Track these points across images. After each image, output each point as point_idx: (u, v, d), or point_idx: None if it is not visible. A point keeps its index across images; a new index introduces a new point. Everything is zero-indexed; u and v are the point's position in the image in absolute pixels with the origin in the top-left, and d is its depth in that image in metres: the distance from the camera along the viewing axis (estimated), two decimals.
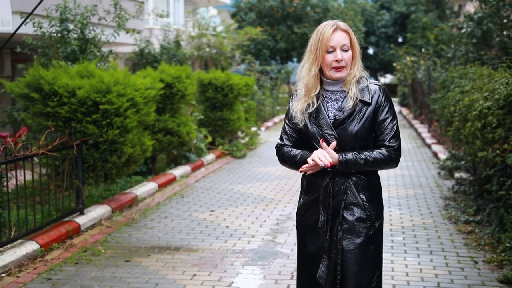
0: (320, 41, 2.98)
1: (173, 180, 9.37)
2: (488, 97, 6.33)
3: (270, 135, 16.33)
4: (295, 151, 3.12)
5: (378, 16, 37.53)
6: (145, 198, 8.14)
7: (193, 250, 5.89)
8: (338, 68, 2.99)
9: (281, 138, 3.22)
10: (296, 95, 3.13)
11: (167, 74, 9.45)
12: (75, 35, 8.91)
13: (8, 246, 5.51)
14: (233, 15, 29.40)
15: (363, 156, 2.97)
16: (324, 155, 2.94)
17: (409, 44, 27.11)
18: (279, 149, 3.22)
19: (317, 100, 3.05)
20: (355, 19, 29.69)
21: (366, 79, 3.07)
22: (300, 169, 3.06)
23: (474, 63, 10.34)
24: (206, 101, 12.34)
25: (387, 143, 3.01)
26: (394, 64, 25.46)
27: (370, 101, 3.00)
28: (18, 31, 7.33)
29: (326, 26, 2.99)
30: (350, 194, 3.02)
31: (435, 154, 12.09)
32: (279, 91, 22.99)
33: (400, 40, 37.85)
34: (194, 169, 10.36)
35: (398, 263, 5.47)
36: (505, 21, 13.04)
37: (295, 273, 5.16)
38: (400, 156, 3.06)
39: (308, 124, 3.05)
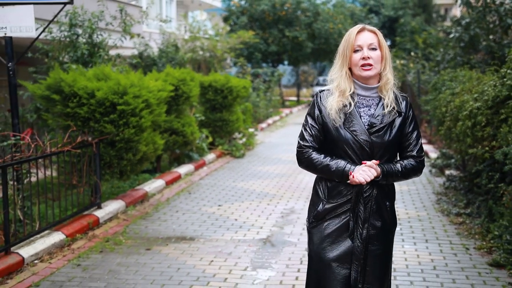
0: (347, 41, 3.03)
1: (179, 178, 9.83)
2: (477, 98, 6.88)
3: (265, 136, 16.81)
4: (325, 158, 3.08)
5: (367, 19, 38.17)
6: (155, 194, 8.60)
7: (207, 240, 6.37)
8: (366, 66, 3.00)
9: (303, 138, 3.14)
10: (328, 94, 3.11)
11: (172, 77, 9.90)
12: (84, 40, 9.35)
13: (38, 236, 5.96)
14: (225, 19, 29.87)
15: (399, 168, 3.06)
16: (367, 174, 2.97)
17: (398, 47, 27.75)
18: (304, 152, 3.14)
19: (353, 101, 3.06)
20: (345, 22, 30.27)
21: (392, 88, 3.11)
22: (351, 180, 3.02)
23: (463, 66, 10.89)
24: (206, 102, 12.80)
25: (416, 154, 3.11)
26: None
27: (403, 112, 3.08)
28: (27, 36, 7.75)
29: (354, 28, 3.07)
30: (377, 201, 3.07)
31: (426, 154, 12.64)
32: (272, 93, 23.49)
33: (389, 43, 38.53)
34: (197, 168, 10.82)
35: (397, 251, 5.97)
36: (491, 26, 13.64)
37: (303, 259, 5.65)
38: (424, 166, 3.19)
39: (341, 128, 3.03)
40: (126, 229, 6.77)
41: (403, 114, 3.08)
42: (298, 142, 3.17)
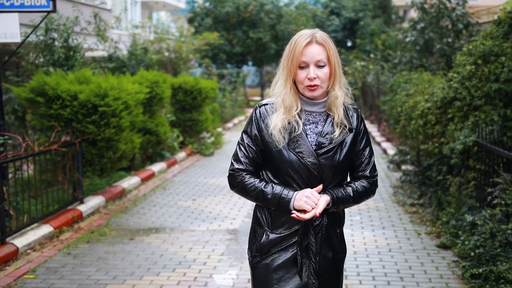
0: (292, 55, 2.64)
1: (152, 175, 10.35)
2: (428, 99, 7.64)
3: (232, 135, 17.42)
4: (260, 183, 2.70)
5: (328, 21, 39.12)
6: (132, 190, 9.11)
7: (185, 230, 6.94)
8: (311, 87, 2.65)
9: (237, 160, 2.74)
10: (271, 110, 2.72)
11: (145, 79, 10.40)
12: (59, 44, 9.79)
13: (28, 228, 6.43)
14: (190, 20, 30.35)
15: (350, 193, 2.71)
16: (312, 201, 2.61)
17: (359, 49, 28.70)
18: (237, 175, 2.74)
19: (300, 120, 2.69)
20: (307, 24, 31.07)
21: (342, 104, 2.74)
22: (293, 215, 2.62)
23: (417, 69, 11.71)
24: (177, 103, 13.32)
25: (368, 174, 2.77)
26: (346, 69, 26.97)
27: (354, 128, 2.74)
28: (12, 42, 8.18)
29: (301, 37, 2.64)
30: (327, 230, 2.74)
31: (385, 151, 13.43)
32: (238, 94, 24.11)
33: (349, 44, 39.51)
34: (169, 166, 11.36)
35: (357, 237, 6.66)
36: (444, 30, 14.56)
37: None
38: (377, 187, 2.86)
39: (284, 150, 2.66)
40: (109, 221, 7.29)
41: (354, 130, 2.74)
42: (232, 164, 2.76)
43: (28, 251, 6.04)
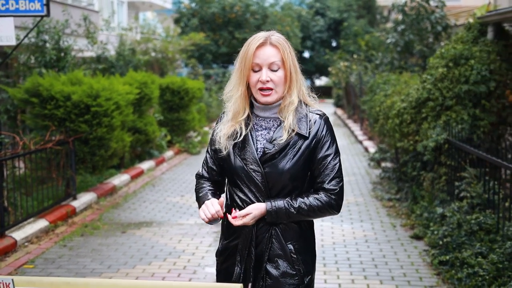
0: (245, 57, 2.53)
1: (142, 173, 10.71)
2: (404, 100, 8.08)
3: None
4: (203, 188, 2.71)
5: (313, 21, 39.59)
6: (122, 187, 9.47)
7: (174, 224, 7.32)
8: (264, 91, 2.54)
9: (201, 166, 2.80)
10: (223, 117, 2.67)
11: (135, 80, 10.76)
12: (50, 46, 10.11)
13: (25, 222, 6.78)
14: (176, 21, 30.67)
15: (296, 205, 2.51)
16: (208, 209, 2.51)
17: (343, 49, 29.21)
18: (196, 180, 2.81)
19: (246, 127, 2.58)
20: (292, 25, 31.54)
21: (307, 106, 2.62)
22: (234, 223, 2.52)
23: (396, 71, 12.17)
24: (164, 103, 13.68)
25: (326, 186, 2.54)
26: (330, 69, 27.46)
27: (307, 135, 2.54)
28: (7, 45, 8.49)
29: (255, 39, 2.53)
30: (275, 243, 2.56)
31: (366, 149, 13.89)
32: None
33: (334, 44, 40.01)
34: (157, 164, 11.72)
35: (336, 229, 7.08)
36: (423, 32, 15.04)
37: None
38: (341, 201, 2.57)
39: (232, 156, 2.58)
40: (101, 216, 7.65)
41: (311, 136, 2.55)
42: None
43: (26, 243, 6.39)
